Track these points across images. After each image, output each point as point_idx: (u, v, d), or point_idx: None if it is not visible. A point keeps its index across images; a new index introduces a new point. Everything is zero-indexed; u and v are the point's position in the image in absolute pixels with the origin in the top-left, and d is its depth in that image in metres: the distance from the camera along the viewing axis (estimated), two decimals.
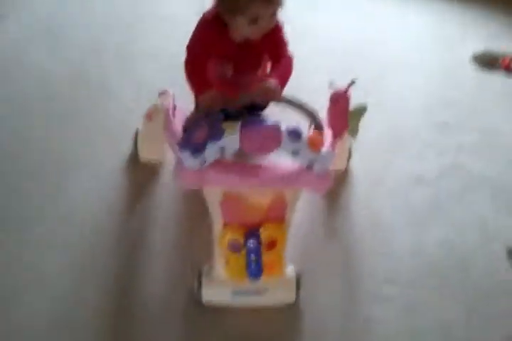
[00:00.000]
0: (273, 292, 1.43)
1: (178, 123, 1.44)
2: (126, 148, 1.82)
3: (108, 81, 2.10)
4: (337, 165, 1.73)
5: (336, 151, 1.37)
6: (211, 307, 1.44)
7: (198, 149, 1.29)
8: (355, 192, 1.79)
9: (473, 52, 2.38)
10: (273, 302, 1.46)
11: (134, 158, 1.80)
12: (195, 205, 1.62)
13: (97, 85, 2.08)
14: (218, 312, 1.44)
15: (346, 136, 1.47)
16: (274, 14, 1.38)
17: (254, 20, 1.35)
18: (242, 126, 1.29)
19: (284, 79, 1.43)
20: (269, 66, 1.56)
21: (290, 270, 1.46)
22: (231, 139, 1.28)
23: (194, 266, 1.47)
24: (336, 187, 1.71)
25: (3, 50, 2.20)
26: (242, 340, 1.41)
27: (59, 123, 1.92)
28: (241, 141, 1.29)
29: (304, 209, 1.59)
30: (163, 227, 1.66)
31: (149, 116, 1.66)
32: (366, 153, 1.86)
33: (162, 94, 1.61)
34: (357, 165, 1.83)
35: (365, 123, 1.43)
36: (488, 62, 2.35)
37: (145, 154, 1.79)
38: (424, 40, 2.48)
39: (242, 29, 1.39)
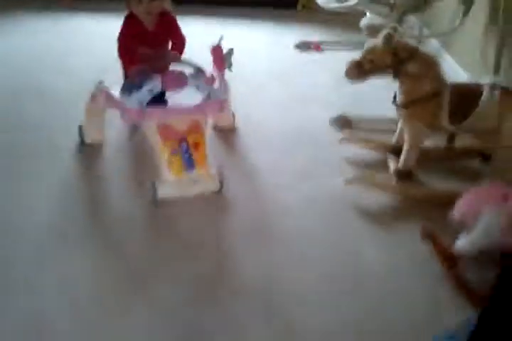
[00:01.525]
0: (204, 182, 2.16)
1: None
2: (74, 137, 2.45)
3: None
4: (226, 122, 2.60)
5: (222, 84, 2.17)
6: (162, 210, 2.10)
7: (133, 91, 2.04)
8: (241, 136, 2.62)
9: (295, 43, 3.43)
10: (205, 190, 2.17)
11: (81, 143, 2.44)
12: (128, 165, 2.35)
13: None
14: (170, 208, 2.12)
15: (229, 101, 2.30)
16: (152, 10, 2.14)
17: (139, 1, 2.12)
18: (162, 75, 2.07)
19: (181, 51, 2.26)
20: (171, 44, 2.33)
21: (213, 168, 2.21)
22: (155, 81, 2.05)
23: (147, 182, 2.14)
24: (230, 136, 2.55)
25: None
26: (190, 228, 2.05)
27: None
28: (162, 83, 2.06)
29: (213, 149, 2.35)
30: (115, 172, 2.34)
31: (93, 98, 2.31)
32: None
33: (99, 82, 2.30)
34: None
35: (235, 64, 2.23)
36: (304, 46, 3.42)
37: (88, 139, 2.44)
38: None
39: (137, 12, 2.15)
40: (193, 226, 2.05)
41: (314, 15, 3.79)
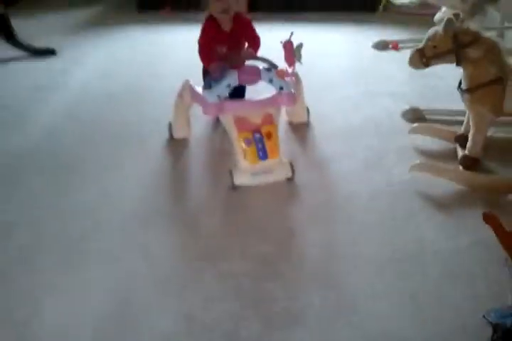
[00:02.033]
0: (277, 170, 2.31)
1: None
2: (164, 134, 2.69)
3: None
4: (301, 118, 2.75)
5: (292, 78, 2.33)
6: (238, 195, 2.28)
7: (213, 86, 2.24)
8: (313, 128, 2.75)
9: (372, 43, 3.52)
10: (277, 178, 2.32)
11: (170, 138, 2.68)
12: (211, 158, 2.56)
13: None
14: (246, 194, 2.30)
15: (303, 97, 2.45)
16: (228, 7, 2.32)
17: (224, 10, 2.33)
18: (238, 70, 2.25)
19: (255, 49, 2.44)
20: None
21: (284, 158, 2.36)
22: (233, 76, 2.23)
23: (226, 168, 2.34)
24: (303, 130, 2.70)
25: None
26: (262, 212, 2.22)
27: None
28: (238, 77, 2.24)
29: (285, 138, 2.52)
30: (198, 163, 2.55)
31: (180, 95, 2.55)
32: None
33: (186, 81, 2.54)
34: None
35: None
36: (382, 45, 3.49)
37: (176, 134, 2.68)
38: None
39: (215, 12, 2.34)
40: (264, 210, 2.21)
41: (392, 17, 3.87)
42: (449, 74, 2.22)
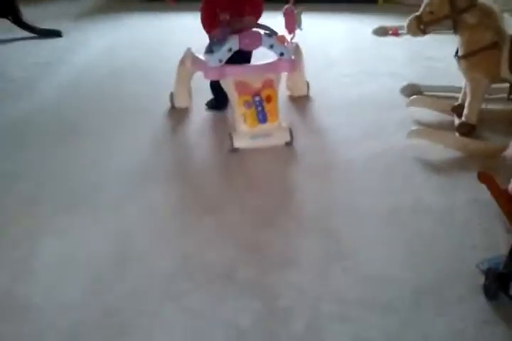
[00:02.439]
0: (276, 134, 2.36)
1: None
2: (166, 104, 2.76)
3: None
4: (301, 92, 2.79)
5: (292, 45, 2.38)
6: (238, 157, 2.32)
7: (214, 50, 2.30)
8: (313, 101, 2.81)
9: (372, 29, 3.58)
10: (276, 142, 2.36)
11: (171, 107, 2.75)
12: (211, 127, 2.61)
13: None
14: (245, 156, 2.34)
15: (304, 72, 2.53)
16: None
17: None
18: (239, 35, 2.31)
19: (257, 16, 2.47)
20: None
21: (284, 123, 2.41)
22: (233, 41, 2.29)
23: (226, 134, 2.39)
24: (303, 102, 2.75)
25: None
26: (260, 171, 2.26)
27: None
28: (240, 41, 2.29)
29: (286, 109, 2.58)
30: (199, 129, 2.60)
31: (182, 62, 2.61)
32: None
33: (187, 49, 2.60)
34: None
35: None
36: (382, 32, 3.56)
37: (178, 104, 2.74)
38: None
39: None
40: (263, 170, 2.26)
41: (394, 7, 3.95)
42: (449, 57, 2.28)
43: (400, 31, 3.57)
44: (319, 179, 2.18)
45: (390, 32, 3.57)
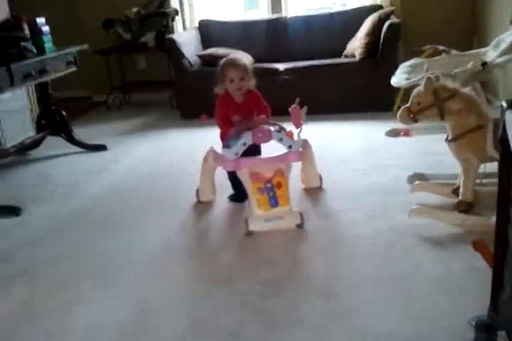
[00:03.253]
0: (287, 218, 2.59)
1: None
2: (193, 198, 3.05)
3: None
4: (314, 183, 3.07)
5: (299, 138, 2.68)
6: (255, 235, 2.56)
7: (231, 145, 2.62)
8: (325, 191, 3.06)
9: (385, 131, 3.91)
10: (288, 224, 2.59)
11: (197, 201, 3.03)
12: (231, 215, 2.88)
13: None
14: (259, 237, 2.56)
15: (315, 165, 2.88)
16: (242, 78, 2.76)
17: (232, 81, 2.76)
18: (252, 131, 2.63)
19: (267, 115, 2.83)
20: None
21: (295, 208, 2.65)
22: (247, 136, 2.61)
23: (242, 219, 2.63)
24: (315, 192, 3.02)
25: None
26: (272, 249, 2.47)
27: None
28: (253, 136, 2.61)
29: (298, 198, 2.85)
30: (220, 217, 2.87)
31: (205, 159, 2.94)
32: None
33: (210, 147, 2.95)
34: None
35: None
36: (394, 133, 3.87)
37: (203, 198, 3.04)
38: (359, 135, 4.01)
39: (230, 89, 2.79)
40: (275, 248, 2.47)
41: None
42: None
43: (410, 132, 3.87)
44: (326, 253, 2.38)
45: (402, 133, 3.88)
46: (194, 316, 1.99)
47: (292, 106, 2.70)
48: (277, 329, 1.88)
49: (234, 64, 2.79)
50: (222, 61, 2.85)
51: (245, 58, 2.89)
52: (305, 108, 2.70)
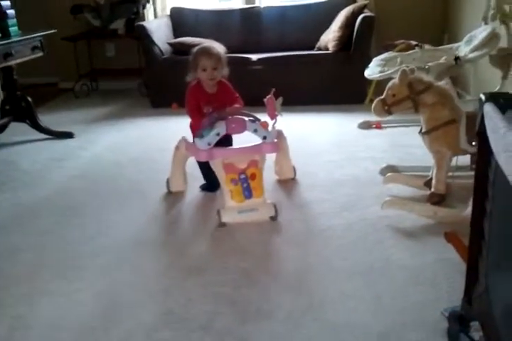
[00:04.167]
0: (261, 209, 2.55)
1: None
2: (163, 189, 2.98)
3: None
4: (288, 175, 3.03)
5: (274, 129, 2.64)
6: (227, 227, 2.52)
7: (204, 135, 2.56)
8: (298, 182, 3.03)
9: (357, 123, 3.90)
10: (262, 216, 2.54)
11: (168, 192, 2.96)
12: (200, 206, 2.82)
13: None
14: (232, 228, 2.51)
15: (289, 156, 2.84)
16: (215, 68, 2.70)
17: (204, 69, 2.69)
18: (226, 121, 2.58)
19: (241, 105, 2.77)
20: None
21: (268, 200, 2.60)
22: (221, 126, 2.55)
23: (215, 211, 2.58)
24: (289, 183, 2.98)
25: None
26: (245, 240, 2.42)
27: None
28: (227, 127, 2.55)
29: (272, 189, 2.81)
30: (191, 208, 2.81)
31: (177, 148, 2.86)
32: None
33: (182, 137, 2.87)
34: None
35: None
36: (366, 125, 3.87)
37: (173, 188, 2.96)
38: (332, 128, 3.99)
39: (202, 78, 2.72)
40: (248, 239, 2.42)
41: None
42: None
43: (383, 125, 3.88)
44: (299, 245, 2.34)
45: (374, 126, 3.88)
46: (164, 308, 1.94)
47: (267, 96, 2.65)
48: (249, 322, 1.84)
49: (207, 53, 2.73)
50: (196, 49, 2.78)
51: (218, 47, 2.81)
52: (280, 99, 2.65)
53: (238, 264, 2.19)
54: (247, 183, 2.55)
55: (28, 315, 1.93)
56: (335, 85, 4.62)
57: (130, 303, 1.98)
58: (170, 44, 4.98)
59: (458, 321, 1.69)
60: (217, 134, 2.55)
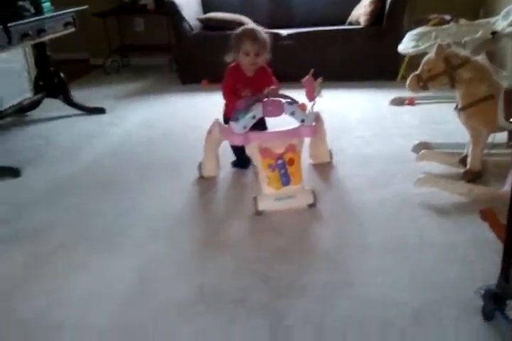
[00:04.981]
0: (299, 197, 2.46)
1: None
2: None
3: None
4: (324, 159, 2.93)
5: (312, 112, 2.51)
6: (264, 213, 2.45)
7: (240, 118, 2.44)
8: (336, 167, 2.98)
9: (389, 100, 3.85)
10: (300, 204, 2.46)
11: (200, 177, 2.89)
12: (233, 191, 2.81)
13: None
14: (268, 215, 2.45)
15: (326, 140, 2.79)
16: (258, 53, 2.65)
17: (247, 54, 2.64)
18: (263, 103, 2.49)
19: (276, 88, 2.64)
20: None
21: (307, 186, 2.51)
22: (257, 109, 2.44)
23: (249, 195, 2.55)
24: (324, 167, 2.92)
25: None
26: (279, 219, 2.40)
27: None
28: (263, 109, 2.44)
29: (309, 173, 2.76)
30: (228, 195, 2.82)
31: (210, 132, 2.78)
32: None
33: (215, 120, 2.78)
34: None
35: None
36: (398, 102, 3.81)
37: (205, 173, 2.87)
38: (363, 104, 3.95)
39: (243, 62, 2.68)
40: (282, 219, 2.40)
41: None
42: (457, 119, 2.54)
43: (415, 101, 3.82)
44: (332, 221, 2.35)
45: (406, 102, 3.82)
46: (199, 283, 1.96)
47: (306, 77, 2.52)
48: (283, 297, 1.86)
49: (253, 38, 2.63)
50: (240, 30, 2.69)
51: (262, 31, 2.68)
52: (320, 79, 2.51)
53: (272, 242, 2.20)
54: (285, 169, 2.44)
55: (65, 289, 1.98)
56: (366, 61, 4.54)
57: (165, 278, 2.01)
58: (199, 19, 4.94)
59: (493, 299, 1.68)
60: (253, 117, 2.43)
